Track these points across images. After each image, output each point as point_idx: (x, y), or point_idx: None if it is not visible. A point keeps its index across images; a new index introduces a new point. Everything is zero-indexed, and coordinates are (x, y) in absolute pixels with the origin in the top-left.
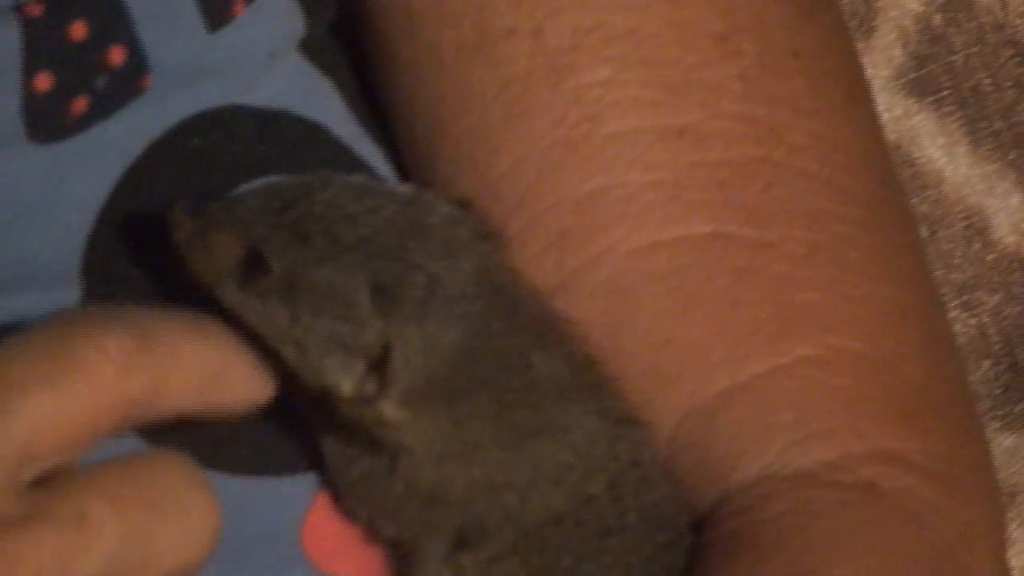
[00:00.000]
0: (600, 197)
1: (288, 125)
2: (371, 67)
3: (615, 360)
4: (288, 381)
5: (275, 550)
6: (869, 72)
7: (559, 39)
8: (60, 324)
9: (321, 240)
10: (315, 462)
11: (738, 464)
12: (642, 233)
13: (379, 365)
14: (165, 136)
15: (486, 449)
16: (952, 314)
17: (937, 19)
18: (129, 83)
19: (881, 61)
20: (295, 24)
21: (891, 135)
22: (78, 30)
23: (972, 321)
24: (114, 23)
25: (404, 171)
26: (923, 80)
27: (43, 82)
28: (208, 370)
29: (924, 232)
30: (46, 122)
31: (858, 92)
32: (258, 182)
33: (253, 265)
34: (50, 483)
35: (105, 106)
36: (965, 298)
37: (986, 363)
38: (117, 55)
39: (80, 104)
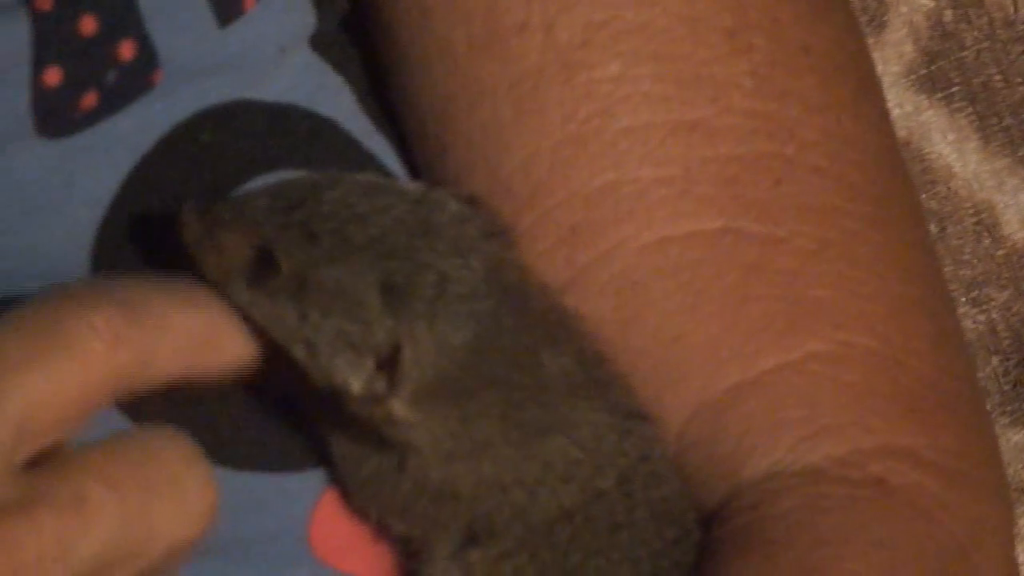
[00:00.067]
0: (611, 192)
1: (298, 120)
2: (382, 63)
3: (625, 356)
4: (297, 380)
5: (281, 546)
6: (880, 68)
7: (570, 35)
8: (48, 302)
9: (330, 240)
10: (322, 459)
11: (748, 460)
12: (652, 228)
13: (389, 364)
14: (175, 131)
15: (495, 447)
16: (961, 310)
17: (948, 15)
18: (139, 78)
19: (892, 57)
20: (306, 19)
21: (901, 131)
22: (88, 24)
23: (981, 317)
24: (124, 17)
25: (414, 167)
26: (933, 76)
27: (53, 76)
28: (197, 336)
29: (934, 228)
30: (55, 116)
31: (869, 88)
32: (268, 177)
33: (263, 265)
34: (46, 465)
35: (115, 101)
36: (974, 294)
37: (995, 359)
38: (127, 50)
39: (90, 99)
